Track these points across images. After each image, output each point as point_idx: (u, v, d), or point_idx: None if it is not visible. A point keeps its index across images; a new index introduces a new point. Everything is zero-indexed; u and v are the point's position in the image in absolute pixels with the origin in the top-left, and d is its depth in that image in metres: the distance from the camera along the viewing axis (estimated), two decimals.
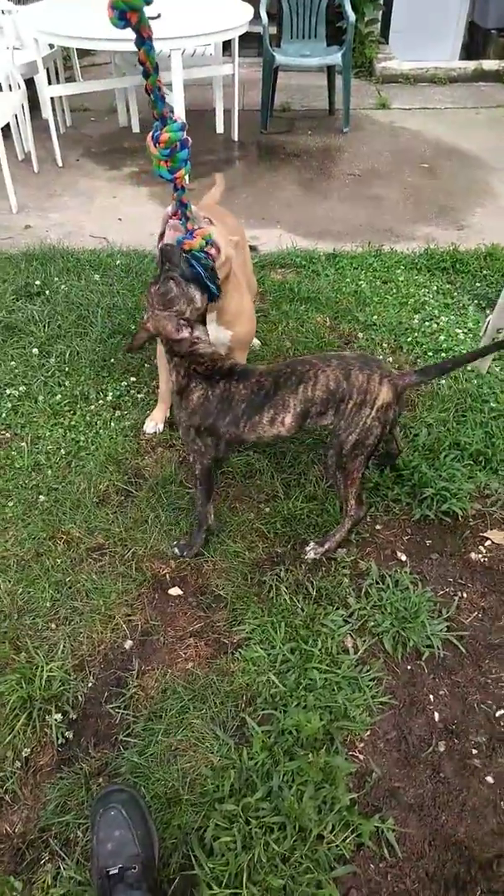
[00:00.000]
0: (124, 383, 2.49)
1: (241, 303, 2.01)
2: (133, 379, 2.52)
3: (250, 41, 5.16)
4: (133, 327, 2.74)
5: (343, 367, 1.65)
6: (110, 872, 1.29)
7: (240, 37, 4.07)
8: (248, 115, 4.94)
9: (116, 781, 1.46)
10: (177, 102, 3.76)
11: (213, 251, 1.74)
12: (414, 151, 4.62)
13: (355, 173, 4.33)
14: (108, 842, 1.33)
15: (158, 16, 3.61)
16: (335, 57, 4.54)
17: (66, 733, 1.56)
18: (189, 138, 1.56)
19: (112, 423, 2.32)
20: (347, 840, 1.38)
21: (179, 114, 3.78)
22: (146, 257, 3.24)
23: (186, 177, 1.61)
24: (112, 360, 2.59)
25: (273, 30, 5.08)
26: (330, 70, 4.89)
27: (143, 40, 1.34)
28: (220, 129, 4.82)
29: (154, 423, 2.30)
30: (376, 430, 1.67)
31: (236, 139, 4.70)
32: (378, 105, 5.37)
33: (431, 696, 1.63)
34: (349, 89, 4.70)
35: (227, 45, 4.46)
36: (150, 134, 1.51)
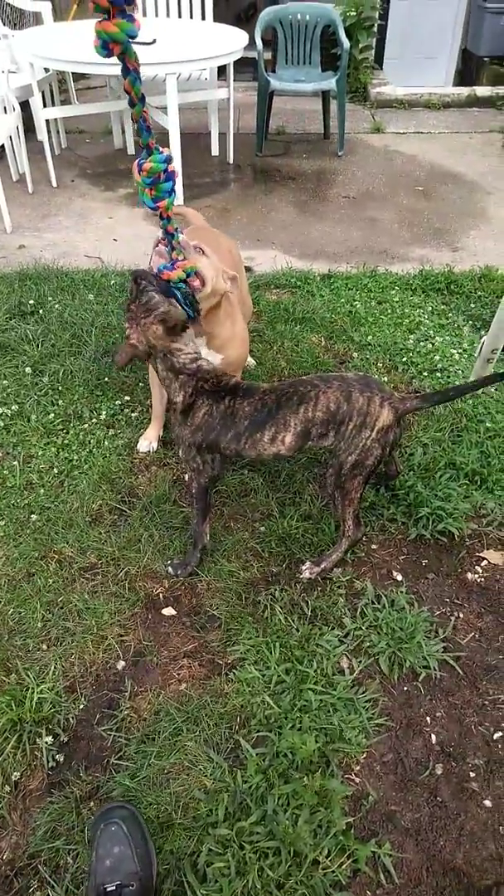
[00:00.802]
0: (118, 402, 2.49)
1: (234, 328, 2.01)
2: (127, 398, 2.51)
3: (246, 66, 5.25)
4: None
5: (344, 389, 1.65)
6: (108, 889, 1.27)
7: (235, 62, 4.13)
8: (244, 139, 5.01)
9: (118, 799, 1.43)
10: (172, 125, 3.80)
11: (196, 283, 1.75)
12: (408, 175, 4.69)
13: (350, 196, 4.39)
14: (107, 858, 1.31)
15: (154, 41, 3.67)
16: (330, 82, 4.61)
17: (57, 756, 1.53)
18: (176, 171, 1.57)
19: (106, 442, 2.31)
20: (343, 866, 1.35)
21: (174, 136, 3.83)
22: None
23: (171, 208, 1.61)
24: (106, 378, 2.59)
25: (268, 55, 5.18)
26: (325, 95, 4.97)
27: (129, 71, 1.34)
28: (215, 151, 4.88)
29: (148, 441, 2.29)
30: (376, 452, 1.67)
31: (232, 162, 4.75)
32: (373, 129, 5.46)
33: (428, 718, 1.61)
34: (344, 113, 4.78)
35: (222, 70, 4.53)
36: (136, 161, 1.52)
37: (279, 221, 4.01)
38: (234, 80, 4.45)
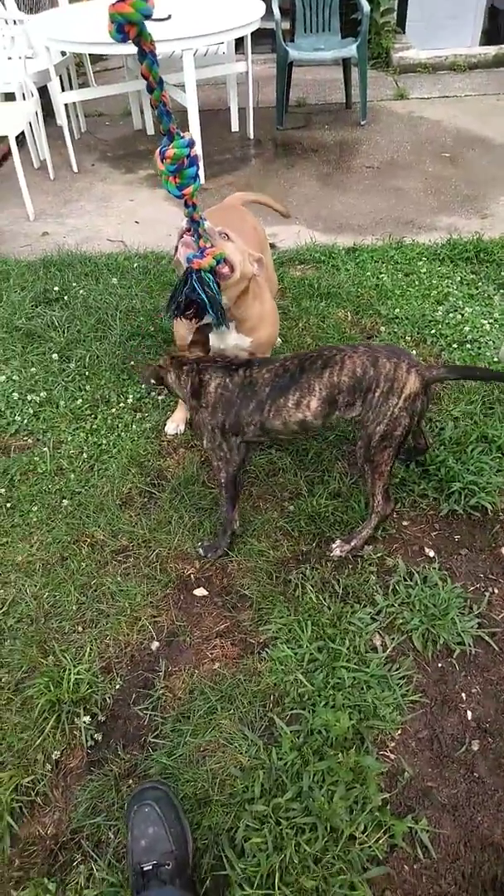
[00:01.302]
0: (144, 385, 2.49)
1: (263, 309, 1.99)
2: (153, 381, 2.51)
3: (263, 37, 5.14)
4: (151, 329, 2.74)
5: (370, 354, 1.63)
6: (144, 868, 1.29)
7: (252, 33, 4.05)
8: (264, 112, 4.92)
9: (151, 779, 1.46)
10: (190, 102, 3.75)
11: (225, 269, 1.73)
12: (434, 141, 4.55)
13: (374, 165, 4.28)
14: (143, 838, 1.33)
15: (169, 17, 3.62)
16: (350, 49, 4.49)
17: (95, 735, 1.56)
18: (198, 155, 1.53)
19: (133, 426, 2.32)
20: (380, 841, 1.35)
21: (193, 114, 3.78)
22: (163, 259, 3.25)
23: (196, 194, 1.57)
24: (132, 362, 2.59)
25: (286, 25, 5.05)
26: (346, 63, 4.84)
27: (145, 54, 1.29)
28: (235, 127, 4.81)
29: (175, 424, 2.30)
30: (404, 421, 1.64)
31: (252, 137, 4.68)
32: (396, 96, 5.30)
33: (463, 695, 1.60)
34: (366, 81, 4.65)
35: (239, 43, 4.44)
36: (158, 150, 1.48)
37: (302, 195, 3.94)
38: (252, 53, 4.36)
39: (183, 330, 2.04)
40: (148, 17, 1.24)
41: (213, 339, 2.01)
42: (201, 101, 3.98)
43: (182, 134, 1.46)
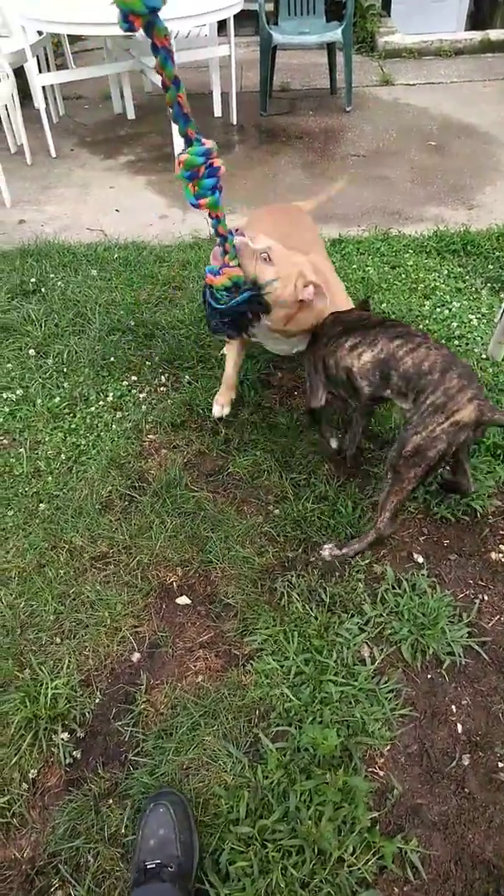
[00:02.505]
0: (125, 383, 2.41)
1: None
2: (134, 378, 2.44)
3: (247, 20, 5.01)
4: (132, 323, 2.65)
5: (445, 360, 1.58)
6: (148, 866, 1.26)
7: (235, 16, 3.93)
8: (247, 97, 4.81)
9: (170, 786, 1.41)
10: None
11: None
12: (420, 129, 4.48)
13: (360, 154, 4.20)
14: (152, 838, 1.30)
15: None
16: (335, 33, 4.39)
17: (74, 752, 1.50)
18: (221, 166, 1.42)
19: (114, 426, 2.25)
20: (369, 863, 1.31)
21: None
22: (144, 249, 3.15)
23: (217, 208, 1.49)
24: (112, 358, 2.51)
25: (270, 7, 4.93)
26: (330, 47, 4.74)
27: (157, 49, 1.20)
28: (217, 112, 4.69)
29: (220, 406, 2.22)
30: (441, 445, 1.57)
31: (235, 122, 4.57)
32: (381, 81, 5.22)
33: (454, 707, 1.56)
34: (351, 66, 4.56)
35: (223, 26, 4.32)
36: (179, 153, 1.41)
37: (286, 184, 3.85)
38: (236, 36, 4.24)
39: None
40: (156, 9, 1.14)
41: (266, 342, 1.99)
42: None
43: (203, 141, 1.37)
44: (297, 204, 2.42)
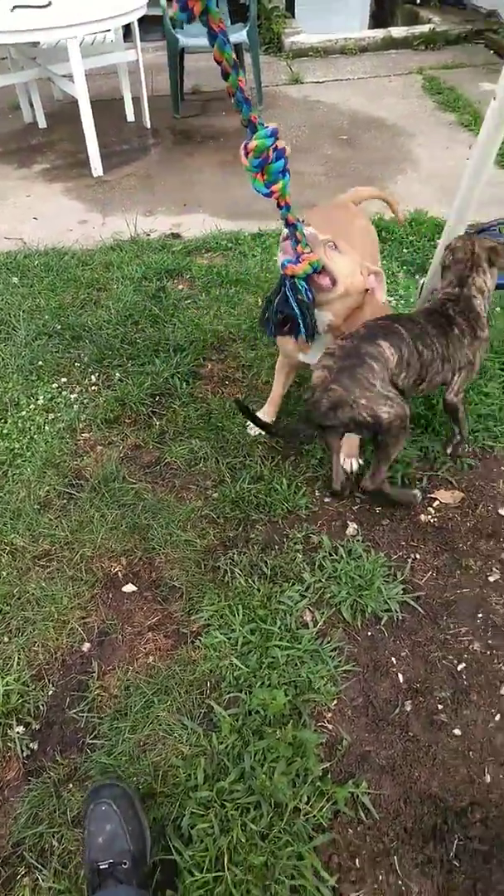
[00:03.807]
0: (55, 385, 2.43)
1: None
2: (64, 380, 2.45)
3: (154, 24, 5.05)
4: (59, 326, 2.66)
5: None
6: (101, 867, 1.27)
7: (142, 20, 3.97)
8: (160, 101, 4.85)
9: (108, 779, 1.43)
10: (80, 93, 3.65)
11: (324, 281, 1.63)
12: (331, 124, 4.62)
13: None
14: (99, 835, 1.31)
15: (49, 3, 3.50)
16: (241, 34, 4.48)
17: (31, 745, 1.52)
18: (286, 147, 1.38)
19: (46, 427, 2.26)
20: (324, 809, 1.38)
21: (84, 105, 3.68)
22: (66, 254, 3.16)
23: (288, 192, 1.44)
24: (40, 362, 2.52)
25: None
26: (238, 48, 4.83)
27: (215, 35, 1.17)
28: (130, 117, 4.72)
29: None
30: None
31: (149, 126, 4.61)
32: (291, 80, 5.34)
33: (394, 659, 1.65)
34: (259, 66, 4.66)
35: (129, 30, 4.35)
36: (243, 144, 1.36)
37: (204, 183, 3.92)
38: (143, 41, 4.28)
39: (290, 345, 1.92)
40: None
41: (308, 357, 1.90)
42: (94, 92, 3.89)
43: (266, 124, 1.34)
44: (357, 191, 2.31)
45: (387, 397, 1.69)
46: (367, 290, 1.76)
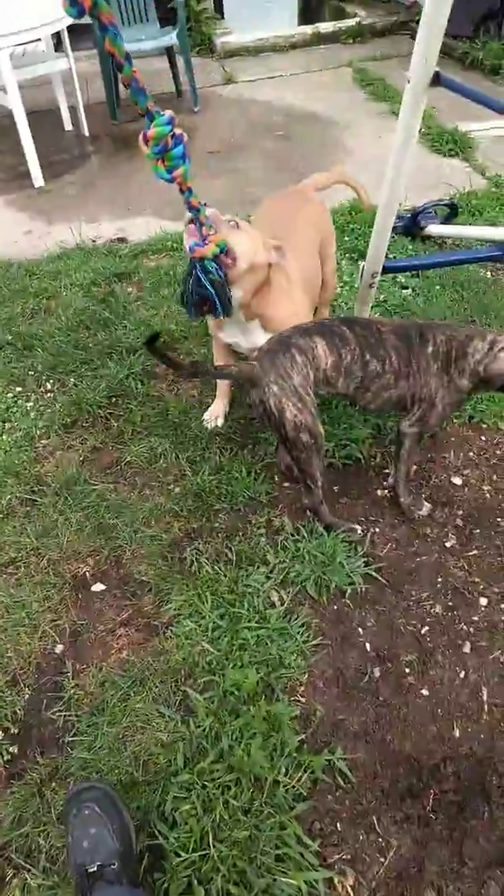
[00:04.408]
0: (10, 395, 2.43)
1: (293, 306, 1.91)
2: (19, 389, 2.46)
3: (85, 33, 5.05)
4: (10, 338, 2.66)
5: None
6: (89, 870, 1.27)
7: (74, 29, 3.97)
8: (97, 109, 4.85)
9: (86, 780, 1.44)
10: (14, 104, 3.65)
11: (227, 260, 1.68)
12: (267, 121, 4.68)
13: (214, 150, 4.34)
14: (84, 839, 1.31)
15: None
16: (171, 37, 4.51)
17: (11, 748, 1.54)
18: (184, 134, 1.43)
19: (4, 437, 2.26)
20: (302, 779, 1.43)
21: (20, 117, 3.67)
22: (12, 266, 3.15)
23: (189, 177, 1.48)
24: None
25: None
26: (170, 52, 4.86)
27: (106, 27, 1.19)
28: (68, 126, 4.71)
29: (214, 417, 2.24)
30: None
31: (88, 134, 4.60)
32: (225, 80, 5.39)
33: (360, 629, 1.70)
34: (191, 68, 4.69)
35: (61, 40, 4.34)
36: (142, 132, 1.38)
37: (146, 186, 3.93)
38: (76, 49, 4.27)
39: (212, 325, 2.04)
40: None
41: (239, 337, 1.98)
42: (29, 103, 3.88)
43: (162, 112, 1.37)
44: (315, 179, 2.38)
45: (300, 398, 1.64)
46: (269, 264, 1.82)
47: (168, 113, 1.38)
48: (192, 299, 1.73)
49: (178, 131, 1.40)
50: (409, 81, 1.76)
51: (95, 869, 1.27)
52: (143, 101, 1.33)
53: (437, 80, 1.79)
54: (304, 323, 1.77)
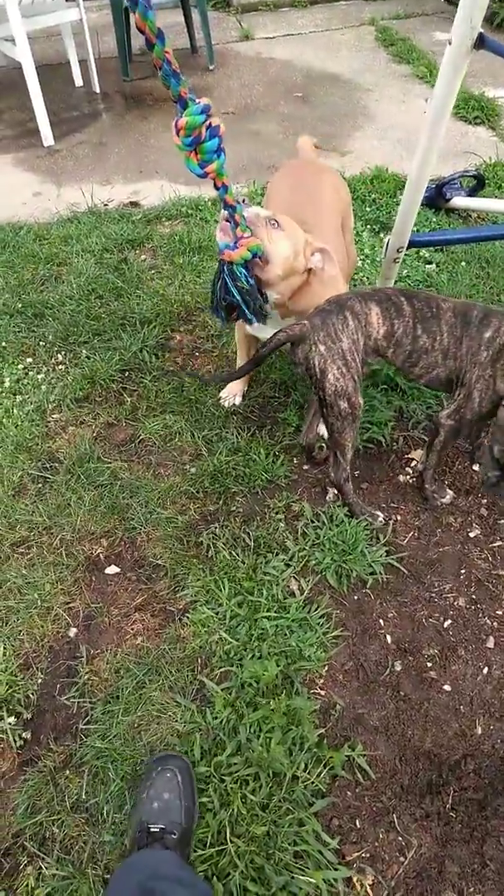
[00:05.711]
0: (21, 366, 2.35)
1: (328, 294, 1.74)
2: (30, 360, 2.38)
3: None
4: (20, 306, 2.58)
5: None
6: (152, 829, 1.27)
7: None
8: (108, 63, 4.66)
9: (176, 750, 1.43)
10: (23, 57, 3.48)
11: (260, 262, 1.57)
12: (286, 81, 4.49)
13: (230, 111, 4.18)
14: (156, 801, 1.32)
15: None
16: None
17: (24, 734, 1.51)
18: (220, 125, 1.30)
19: (15, 410, 2.19)
20: (321, 775, 1.40)
21: (29, 70, 3.52)
22: (21, 229, 3.04)
23: (224, 173, 1.36)
24: (3, 343, 2.44)
25: None
26: (185, 5, 4.64)
27: (136, 1, 1.09)
28: (78, 81, 4.52)
29: (232, 395, 2.17)
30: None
31: (98, 90, 4.42)
32: (241, 37, 5.17)
33: (381, 621, 1.66)
34: (207, 23, 4.48)
35: None
36: (174, 120, 1.26)
37: (160, 148, 3.79)
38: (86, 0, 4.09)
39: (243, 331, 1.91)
40: None
41: (269, 333, 1.77)
42: (38, 56, 3.72)
43: (197, 100, 1.26)
44: (303, 149, 2.24)
45: (346, 362, 1.58)
46: (310, 269, 1.69)
47: (203, 100, 1.27)
48: (221, 305, 1.64)
49: (214, 121, 1.29)
50: (449, 43, 1.64)
51: (157, 830, 1.27)
52: (176, 87, 1.23)
53: (480, 42, 1.67)
54: (365, 288, 1.68)
